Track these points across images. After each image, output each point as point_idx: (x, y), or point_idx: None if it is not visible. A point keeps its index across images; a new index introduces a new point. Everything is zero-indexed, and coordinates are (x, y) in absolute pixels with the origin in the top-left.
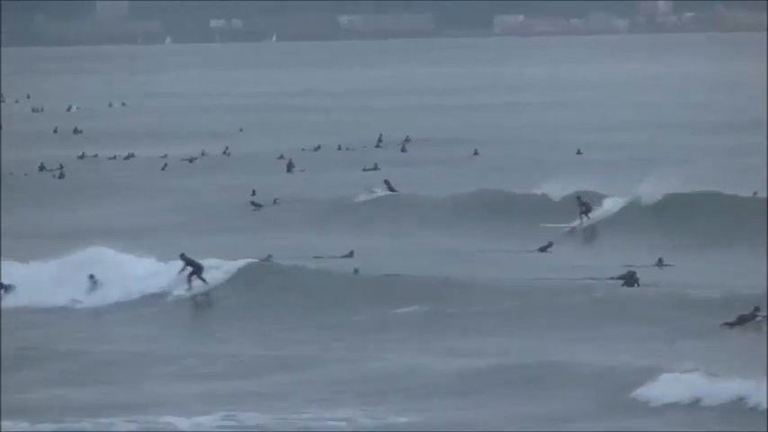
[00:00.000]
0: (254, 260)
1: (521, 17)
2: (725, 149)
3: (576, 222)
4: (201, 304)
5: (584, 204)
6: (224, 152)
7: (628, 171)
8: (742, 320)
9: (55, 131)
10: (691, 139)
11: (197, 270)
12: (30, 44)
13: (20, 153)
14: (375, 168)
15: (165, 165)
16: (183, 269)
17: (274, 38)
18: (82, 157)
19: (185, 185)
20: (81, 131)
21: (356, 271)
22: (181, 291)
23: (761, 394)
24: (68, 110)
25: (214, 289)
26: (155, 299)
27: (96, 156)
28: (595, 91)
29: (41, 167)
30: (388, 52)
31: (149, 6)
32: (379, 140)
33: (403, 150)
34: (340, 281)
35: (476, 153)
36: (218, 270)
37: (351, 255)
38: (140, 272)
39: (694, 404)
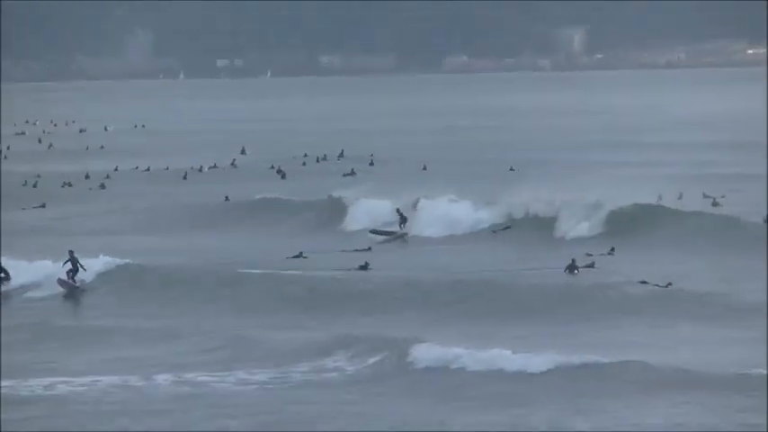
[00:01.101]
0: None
1: (465, 57)
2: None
3: (399, 231)
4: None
5: (401, 215)
6: (231, 164)
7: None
8: (571, 267)
9: (87, 149)
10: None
11: (75, 270)
12: (69, 79)
13: (66, 165)
14: (352, 173)
15: (186, 174)
16: (66, 262)
17: (269, 74)
18: (116, 170)
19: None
20: (103, 147)
21: (366, 264)
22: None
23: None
24: (105, 130)
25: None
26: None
27: (137, 167)
28: (526, 117)
29: (87, 176)
30: (361, 85)
31: (168, 48)
32: (341, 155)
33: (371, 164)
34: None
35: (424, 168)
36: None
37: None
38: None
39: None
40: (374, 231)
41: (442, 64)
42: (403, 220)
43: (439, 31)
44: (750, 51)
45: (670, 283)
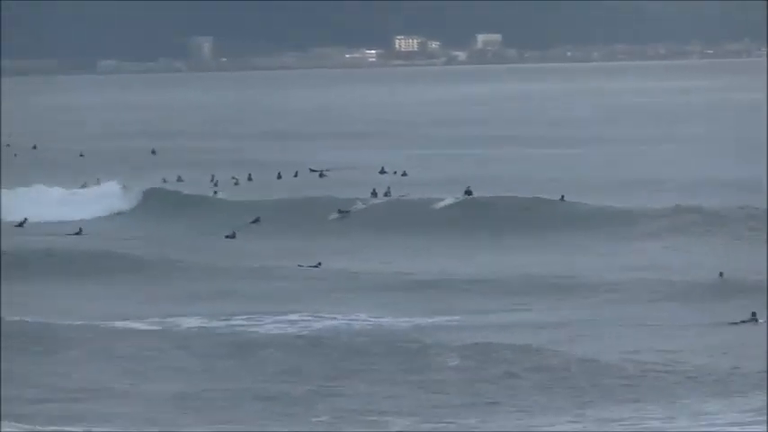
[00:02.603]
0: None
1: (114, 61)
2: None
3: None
4: None
5: None
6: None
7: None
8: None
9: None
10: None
11: None
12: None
13: None
14: (15, 156)
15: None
16: None
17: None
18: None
19: None
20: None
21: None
22: None
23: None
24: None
25: None
26: None
27: None
28: (173, 110)
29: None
30: (30, 84)
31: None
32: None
33: (34, 147)
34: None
35: (81, 155)
36: None
37: None
38: None
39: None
40: None
41: (97, 66)
42: None
43: (92, 37)
44: (348, 56)
45: (320, 263)
